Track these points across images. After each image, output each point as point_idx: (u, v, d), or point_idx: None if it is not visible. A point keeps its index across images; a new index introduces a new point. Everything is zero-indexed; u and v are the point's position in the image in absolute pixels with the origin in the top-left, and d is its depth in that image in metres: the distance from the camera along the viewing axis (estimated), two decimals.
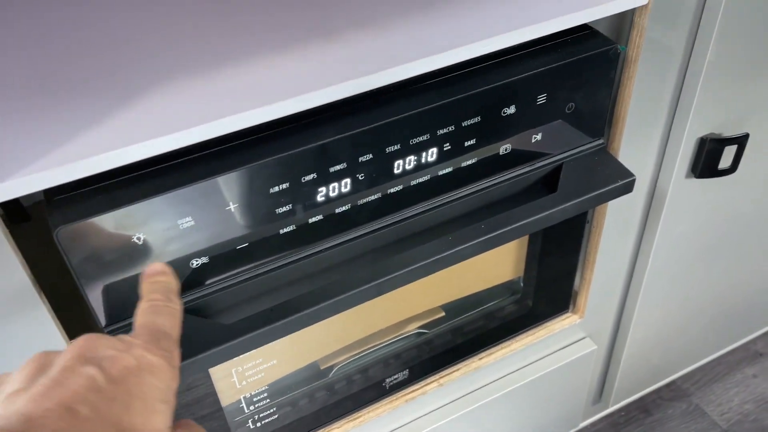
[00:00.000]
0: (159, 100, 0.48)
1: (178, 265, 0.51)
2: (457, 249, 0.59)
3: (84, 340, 0.32)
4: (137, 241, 0.48)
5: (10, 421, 0.27)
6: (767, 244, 1.00)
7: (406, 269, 0.58)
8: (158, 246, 0.49)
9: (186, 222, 0.49)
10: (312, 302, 0.54)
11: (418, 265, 0.58)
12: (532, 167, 0.64)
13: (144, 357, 0.31)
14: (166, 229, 0.48)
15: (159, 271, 0.39)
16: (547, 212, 0.62)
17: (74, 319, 0.51)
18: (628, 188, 0.65)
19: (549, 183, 0.65)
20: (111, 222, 0.46)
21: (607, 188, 0.64)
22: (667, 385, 1.18)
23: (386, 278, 0.57)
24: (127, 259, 0.48)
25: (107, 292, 0.49)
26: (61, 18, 0.57)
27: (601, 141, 0.66)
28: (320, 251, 0.57)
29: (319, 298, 0.54)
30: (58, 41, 0.54)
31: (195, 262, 0.51)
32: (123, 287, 0.49)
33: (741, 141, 0.74)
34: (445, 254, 0.59)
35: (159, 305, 0.37)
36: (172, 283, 0.39)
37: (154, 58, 0.52)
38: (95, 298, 0.49)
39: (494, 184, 0.63)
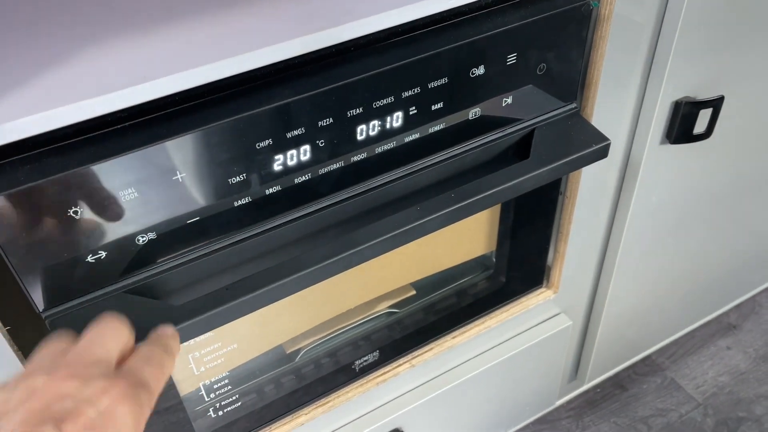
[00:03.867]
0: (93, 59, 0.44)
1: (123, 242, 0.46)
2: (426, 219, 0.55)
3: (46, 381, 0.31)
4: (74, 215, 0.43)
5: None
6: (740, 214, 0.98)
7: (373, 242, 0.54)
8: (98, 221, 0.44)
9: (129, 194, 0.44)
10: (271, 279, 0.50)
11: (385, 237, 0.54)
12: (504, 133, 0.61)
13: (111, 410, 0.31)
14: (107, 202, 0.44)
15: (170, 335, 0.39)
16: (519, 179, 0.58)
17: (8, 302, 0.46)
18: (603, 153, 0.62)
19: (521, 149, 0.62)
20: (42, 194, 0.41)
21: (581, 153, 0.61)
22: (642, 360, 1.17)
23: (351, 251, 0.53)
24: (64, 236, 0.44)
25: (45, 273, 0.45)
26: None
27: (574, 105, 0.63)
28: (279, 225, 0.53)
29: (279, 274, 0.50)
30: None
31: (141, 239, 0.47)
32: (62, 267, 0.45)
33: (716, 104, 0.71)
34: (413, 225, 0.55)
35: (155, 356, 0.37)
36: (176, 348, 0.39)
37: (87, 12, 0.47)
38: (30, 280, 0.45)
39: (464, 152, 0.59)
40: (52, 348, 0.35)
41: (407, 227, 0.55)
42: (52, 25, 0.48)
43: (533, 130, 0.62)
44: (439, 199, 0.57)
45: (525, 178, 0.59)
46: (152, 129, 0.44)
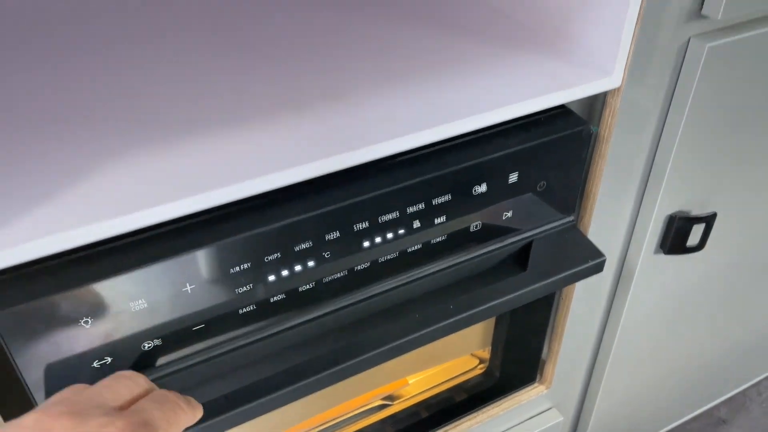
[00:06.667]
0: (111, 177, 0.45)
1: (127, 347, 0.47)
2: (425, 330, 0.57)
3: (38, 418, 0.32)
4: (84, 324, 0.44)
5: None
6: (731, 314, 1.00)
7: (373, 352, 0.55)
8: (107, 329, 0.46)
9: (138, 304, 0.46)
10: (269, 389, 0.51)
11: (385, 347, 0.55)
12: (503, 244, 0.62)
13: None
14: (117, 312, 0.45)
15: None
16: (517, 293, 0.60)
17: (12, 410, 0.47)
18: (598, 268, 0.64)
19: (518, 260, 0.64)
20: (57, 305, 0.43)
21: (578, 268, 0.63)
22: None
23: (351, 362, 0.54)
24: (71, 343, 0.45)
25: (48, 374, 0.46)
26: None
27: (571, 218, 0.66)
28: (280, 331, 0.54)
29: (279, 384, 0.51)
30: None
31: (147, 345, 0.48)
32: (65, 370, 0.46)
33: (709, 220, 0.74)
34: (412, 336, 0.56)
35: (170, 400, 0.36)
36: (197, 407, 0.39)
37: (102, 133, 0.50)
38: (34, 381, 0.46)
39: (463, 261, 0.61)
40: (66, 392, 0.34)
41: (407, 338, 0.56)
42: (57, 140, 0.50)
43: (531, 242, 0.64)
44: (437, 310, 0.58)
45: (523, 292, 0.60)
46: (165, 244, 0.46)
